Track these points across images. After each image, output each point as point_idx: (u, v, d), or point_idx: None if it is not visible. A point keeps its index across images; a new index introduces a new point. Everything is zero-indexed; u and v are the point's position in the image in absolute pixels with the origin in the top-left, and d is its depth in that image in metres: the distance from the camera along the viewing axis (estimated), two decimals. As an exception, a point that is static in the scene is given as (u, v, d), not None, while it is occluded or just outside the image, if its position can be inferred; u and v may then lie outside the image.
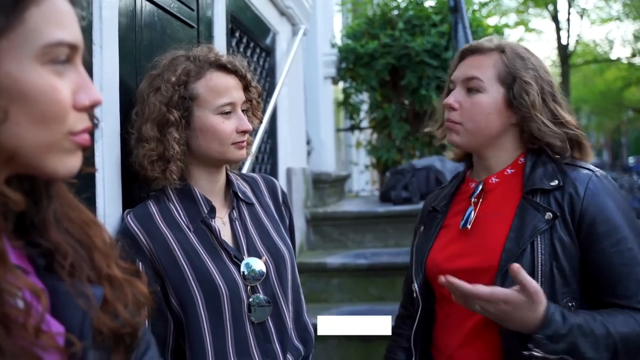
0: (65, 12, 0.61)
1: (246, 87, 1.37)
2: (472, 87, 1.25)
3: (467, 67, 1.28)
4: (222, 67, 1.32)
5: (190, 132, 1.30)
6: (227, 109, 1.30)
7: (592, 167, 1.24)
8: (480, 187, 1.30)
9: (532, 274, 1.14)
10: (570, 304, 1.15)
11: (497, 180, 1.29)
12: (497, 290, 1.07)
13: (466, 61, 1.30)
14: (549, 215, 1.17)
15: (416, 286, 1.33)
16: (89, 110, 0.64)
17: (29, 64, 0.57)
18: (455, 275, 1.22)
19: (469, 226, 1.26)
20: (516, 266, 1.06)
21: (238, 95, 1.33)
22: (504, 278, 1.15)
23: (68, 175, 0.64)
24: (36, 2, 0.58)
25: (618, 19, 20.78)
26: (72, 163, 0.63)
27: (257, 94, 1.42)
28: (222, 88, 1.30)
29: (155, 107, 1.27)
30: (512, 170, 1.28)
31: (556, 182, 1.20)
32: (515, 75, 1.23)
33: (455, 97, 1.27)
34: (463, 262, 1.24)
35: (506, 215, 1.22)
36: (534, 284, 1.05)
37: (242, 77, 1.35)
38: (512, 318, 1.07)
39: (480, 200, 1.29)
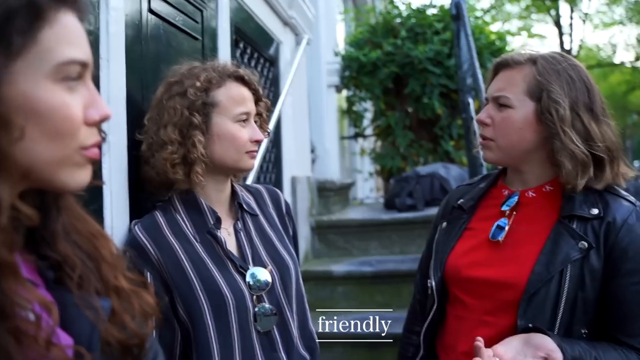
0: (76, 31, 0.63)
1: (257, 101, 1.42)
2: (502, 103, 1.24)
3: (499, 83, 1.27)
4: (240, 79, 1.37)
5: (207, 138, 1.32)
6: (244, 117, 1.34)
7: (634, 200, 1.20)
8: (516, 198, 1.27)
9: (557, 301, 1.14)
10: (583, 331, 1.15)
11: (534, 195, 1.26)
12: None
13: (499, 76, 1.28)
14: (583, 244, 1.15)
15: (433, 283, 1.32)
16: (99, 124, 0.66)
17: (43, 83, 0.59)
18: (474, 285, 1.22)
19: (500, 239, 1.24)
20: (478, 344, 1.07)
21: (252, 107, 1.38)
22: (529, 302, 1.15)
23: (78, 189, 0.65)
24: (49, 23, 0.59)
25: (621, 23, 20.76)
26: (83, 177, 0.65)
27: (267, 108, 1.46)
28: (240, 98, 1.35)
29: (177, 111, 1.30)
30: (551, 188, 1.25)
31: (596, 211, 1.17)
32: (544, 88, 1.19)
33: (488, 112, 1.27)
34: (486, 272, 1.23)
35: (539, 235, 1.20)
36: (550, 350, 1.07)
37: (255, 91, 1.40)
38: None
39: (514, 212, 1.27)
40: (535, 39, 20.55)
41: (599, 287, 1.15)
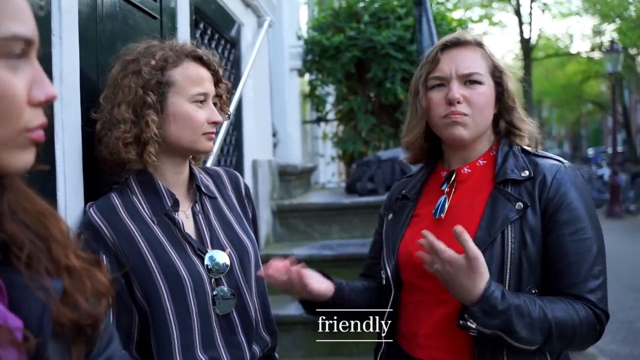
0: (20, 6, 0.60)
1: (217, 82, 1.39)
2: (473, 80, 1.27)
3: (462, 61, 1.28)
4: (198, 59, 1.34)
5: (162, 118, 1.29)
6: (201, 98, 1.32)
7: (560, 158, 1.28)
8: (453, 176, 1.32)
9: (502, 262, 1.18)
10: (533, 291, 1.19)
11: (469, 170, 1.32)
12: (447, 250, 1.11)
13: (451, 54, 1.29)
14: (519, 205, 1.20)
15: (388, 273, 1.33)
16: (44, 105, 0.63)
17: None
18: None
19: (442, 215, 1.28)
20: (459, 228, 1.11)
21: (210, 88, 1.35)
22: None
23: (22, 171, 0.63)
24: None
25: (578, 14, 21.28)
26: (26, 159, 0.62)
27: (227, 90, 1.44)
28: (197, 78, 1.32)
29: (131, 90, 1.27)
30: (484, 162, 1.31)
31: (527, 172, 1.24)
32: (499, 68, 1.30)
33: (458, 90, 1.27)
34: None
35: (478, 205, 1.25)
36: (474, 250, 1.09)
37: (214, 72, 1.37)
38: (454, 282, 1.12)
39: (453, 190, 1.31)
40: (496, 28, 20.91)
41: (540, 244, 1.20)
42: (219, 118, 1.35)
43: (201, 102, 1.32)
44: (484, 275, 1.10)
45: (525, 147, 1.31)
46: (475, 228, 1.21)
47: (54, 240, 0.68)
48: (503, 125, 1.33)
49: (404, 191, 1.41)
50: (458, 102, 1.27)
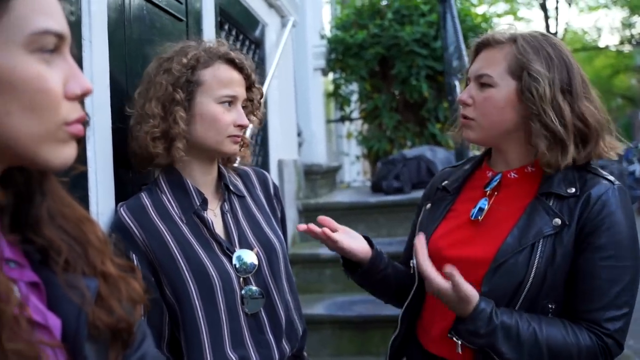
0: (50, 2, 0.61)
1: (249, 87, 1.40)
2: (484, 83, 1.24)
3: (480, 62, 1.26)
4: (231, 62, 1.35)
5: (189, 116, 1.31)
6: (229, 100, 1.33)
7: (612, 178, 1.20)
8: (498, 179, 1.28)
9: (525, 273, 1.15)
10: (550, 306, 1.17)
11: (516, 176, 1.27)
12: (436, 279, 1.13)
13: (480, 55, 1.28)
14: (557, 221, 1.16)
15: (415, 264, 1.31)
16: (81, 99, 0.64)
17: (17, 53, 0.57)
18: (454, 264, 1.25)
19: (480, 218, 1.27)
20: (448, 268, 1.11)
21: (240, 91, 1.36)
22: (495, 271, 1.17)
23: (62, 167, 0.63)
24: None
25: (606, 6, 20.85)
26: (67, 153, 0.63)
27: (259, 95, 1.45)
28: (227, 80, 1.33)
29: (162, 86, 1.29)
30: (533, 169, 1.25)
31: (573, 190, 1.18)
32: (524, 66, 1.19)
33: (469, 92, 1.26)
34: (463, 251, 1.24)
35: (517, 212, 1.21)
36: (465, 290, 1.10)
37: (247, 76, 1.38)
38: (444, 302, 1.15)
39: (496, 193, 1.28)
40: (521, 23, 20.60)
41: (570, 263, 1.16)
42: (246, 122, 1.35)
43: (229, 104, 1.33)
44: (473, 301, 1.12)
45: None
46: (507, 233, 1.19)
47: (91, 246, 0.69)
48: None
49: (445, 182, 1.39)
50: (466, 105, 1.26)
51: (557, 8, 20.30)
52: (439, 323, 1.26)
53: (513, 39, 1.23)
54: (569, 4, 21.07)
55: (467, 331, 1.13)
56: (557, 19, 20.17)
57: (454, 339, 1.16)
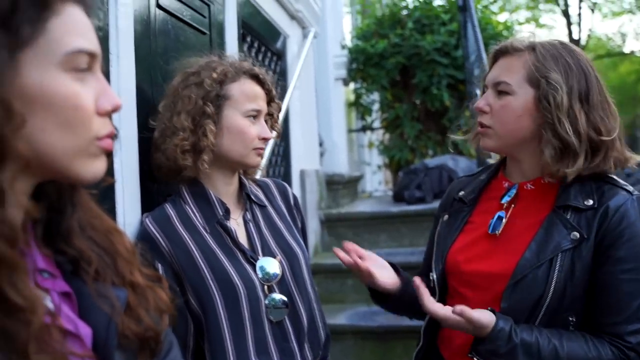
0: (83, 23, 0.64)
1: (270, 101, 1.44)
2: (501, 90, 1.23)
3: (498, 70, 1.26)
4: (255, 77, 1.39)
5: (217, 129, 1.34)
6: (254, 114, 1.37)
7: (631, 188, 1.19)
8: (515, 191, 1.27)
9: (544, 288, 1.14)
10: (571, 319, 1.16)
11: (533, 187, 1.26)
12: (450, 318, 1.13)
13: (498, 63, 1.27)
14: (575, 235, 1.15)
15: (434, 276, 1.33)
16: (110, 114, 0.67)
17: (53, 72, 0.60)
18: (472, 278, 1.24)
19: (497, 232, 1.25)
20: (458, 308, 1.11)
21: (263, 105, 1.40)
22: (515, 287, 1.16)
23: (94, 180, 0.66)
24: (56, 14, 0.60)
25: (630, 12, 20.53)
26: (98, 167, 0.65)
27: (278, 109, 1.49)
28: (252, 94, 1.37)
29: (192, 100, 1.33)
30: (550, 180, 1.23)
31: (591, 202, 1.16)
32: (542, 74, 1.18)
33: (487, 100, 1.25)
34: (483, 265, 1.24)
35: (534, 226, 1.20)
36: (478, 320, 1.10)
37: (268, 91, 1.42)
38: (465, 332, 1.16)
39: (512, 205, 1.26)
40: (543, 29, 20.39)
41: (589, 276, 1.15)
42: (269, 134, 1.40)
43: (254, 117, 1.37)
44: (489, 325, 1.11)
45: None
46: (525, 248, 1.18)
47: (120, 256, 0.71)
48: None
49: (461, 193, 1.37)
50: (483, 112, 1.25)
51: (579, 14, 20.07)
52: (460, 335, 1.25)
53: (532, 47, 1.22)
54: (592, 10, 20.81)
55: (487, 351, 1.13)
56: (580, 25, 19.93)
57: (475, 359, 1.15)
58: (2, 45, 0.55)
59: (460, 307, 1.11)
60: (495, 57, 1.29)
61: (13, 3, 0.56)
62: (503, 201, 1.28)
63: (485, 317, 1.11)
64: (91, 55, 0.63)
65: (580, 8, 20.16)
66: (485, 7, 5.20)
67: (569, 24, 19.67)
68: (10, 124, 0.55)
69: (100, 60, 0.66)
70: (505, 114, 1.22)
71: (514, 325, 1.12)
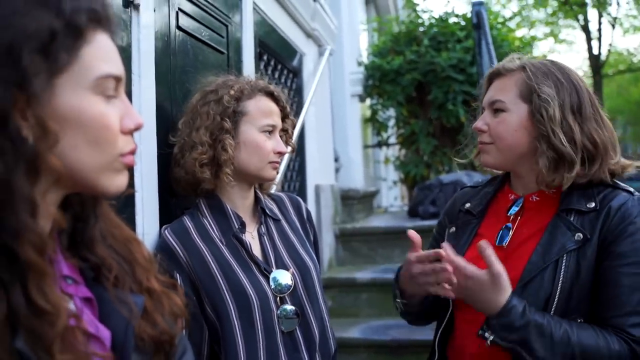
0: (110, 49, 0.70)
1: (284, 118, 1.51)
2: (497, 108, 1.29)
3: (493, 91, 1.32)
4: (270, 94, 1.46)
5: (235, 144, 1.41)
6: (270, 129, 1.43)
7: (631, 189, 1.23)
8: (521, 203, 1.31)
9: (551, 290, 1.17)
10: (579, 320, 1.18)
11: (538, 198, 1.30)
12: (468, 266, 1.14)
13: (493, 85, 1.33)
14: (579, 236, 1.19)
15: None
16: (133, 133, 0.72)
17: (84, 95, 0.65)
18: None
19: (504, 245, 1.29)
20: (484, 243, 1.12)
21: (278, 121, 1.47)
22: (523, 289, 1.19)
23: (117, 193, 0.71)
24: (88, 42, 0.66)
25: (652, 27, 20.31)
26: (121, 181, 0.71)
27: (292, 125, 1.56)
28: (268, 111, 1.44)
29: (210, 116, 1.40)
30: (554, 191, 1.27)
31: (593, 204, 1.21)
32: (534, 90, 1.24)
33: (484, 120, 1.31)
34: None
35: (539, 231, 1.24)
36: (497, 267, 1.11)
37: (282, 107, 1.49)
38: (476, 296, 1.15)
39: (519, 217, 1.30)
40: (562, 45, 20.28)
41: (594, 276, 1.18)
42: (284, 148, 1.46)
43: (269, 132, 1.43)
44: (507, 289, 1.12)
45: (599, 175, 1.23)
46: (531, 252, 1.22)
47: (138, 264, 0.77)
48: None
49: (468, 205, 1.41)
50: (482, 131, 1.31)
51: (599, 29, 19.92)
52: (471, 342, 1.27)
53: (522, 67, 1.29)
54: (613, 26, 20.65)
55: (501, 325, 1.12)
56: (600, 41, 19.77)
57: (486, 335, 1.14)
58: (42, 71, 0.61)
59: (486, 243, 1.12)
60: (490, 80, 1.35)
61: (52, 33, 0.62)
62: (510, 213, 1.32)
63: (505, 274, 1.12)
64: (117, 79, 0.69)
65: (600, 23, 19.97)
66: (502, 23, 5.23)
67: (589, 39, 19.49)
68: (45, 141, 0.61)
69: (124, 82, 0.72)
70: (502, 129, 1.28)
71: (527, 305, 1.14)
